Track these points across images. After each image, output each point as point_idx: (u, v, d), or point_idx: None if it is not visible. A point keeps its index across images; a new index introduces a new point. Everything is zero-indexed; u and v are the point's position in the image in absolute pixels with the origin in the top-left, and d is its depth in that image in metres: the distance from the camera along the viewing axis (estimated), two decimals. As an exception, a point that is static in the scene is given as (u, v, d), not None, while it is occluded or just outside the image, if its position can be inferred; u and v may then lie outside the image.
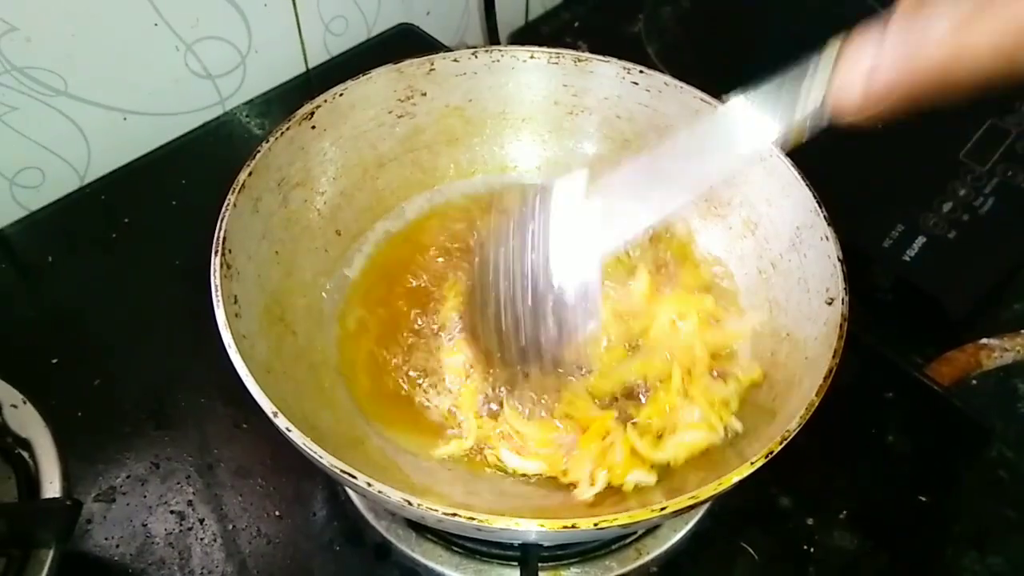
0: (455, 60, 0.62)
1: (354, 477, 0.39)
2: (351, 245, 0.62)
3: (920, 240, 0.71)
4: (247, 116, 0.81)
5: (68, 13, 0.65)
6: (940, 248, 0.71)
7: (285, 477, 0.57)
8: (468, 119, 0.66)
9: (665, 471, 0.51)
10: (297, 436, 0.41)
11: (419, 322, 0.58)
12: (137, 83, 0.72)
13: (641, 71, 0.62)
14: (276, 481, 0.57)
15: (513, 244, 0.48)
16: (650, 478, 0.50)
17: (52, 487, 0.48)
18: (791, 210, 0.55)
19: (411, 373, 0.56)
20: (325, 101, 0.58)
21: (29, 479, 0.48)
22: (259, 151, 0.54)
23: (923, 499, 0.58)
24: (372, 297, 0.60)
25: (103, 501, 0.56)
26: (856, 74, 0.38)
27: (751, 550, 0.55)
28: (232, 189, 0.52)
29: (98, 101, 0.71)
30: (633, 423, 0.52)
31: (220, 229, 0.49)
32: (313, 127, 0.58)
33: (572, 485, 0.50)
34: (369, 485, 0.39)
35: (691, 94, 0.60)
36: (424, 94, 0.63)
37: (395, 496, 0.39)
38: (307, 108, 0.58)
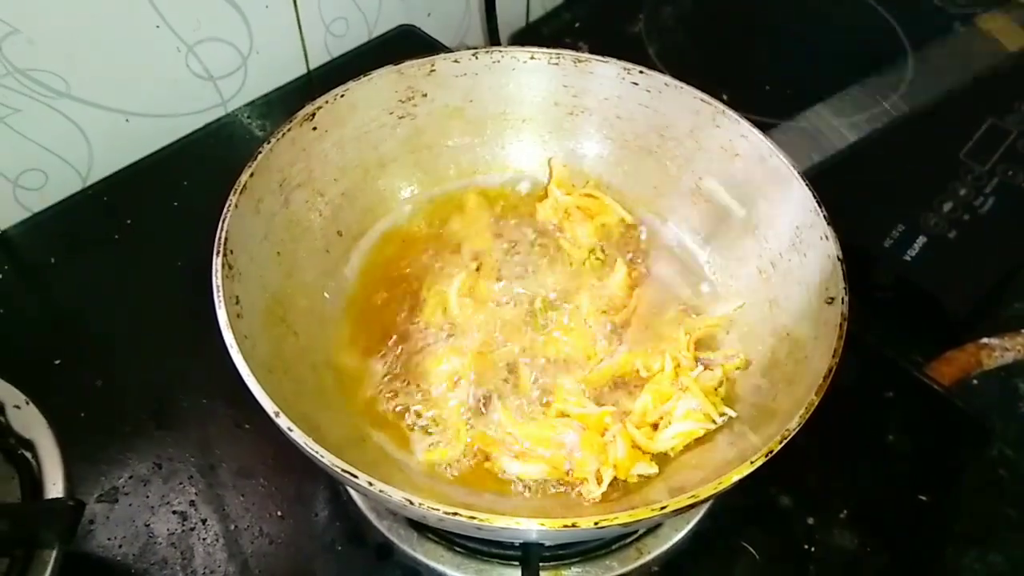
0: (456, 61, 0.62)
1: (355, 477, 0.40)
2: (352, 246, 0.62)
3: (920, 240, 0.71)
4: (248, 117, 0.81)
5: (70, 15, 0.65)
6: (940, 248, 0.71)
7: (287, 477, 0.57)
8: (469, 120, 0.66)
9: (664, 459, 0.52)
10: (299, 436, 0.41)
11: (409, 325, 0.59)
12: (139, 85, 0.73)
13: (641, 71, 0.62)
14: (278, 481, 0.57)
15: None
16: (652, 468, 0.51)
17: (55, 488, 0.48)
18: (791, 210, 0.55)
19: (397, 383, 0.56)
20: (326, 102, 0.58)
21: (32, 480, 0.48)
22: (260, 152, 0.54)
23: (923, 498, 0.58)
24: (372, 297, 0.60)
25: (106, 501, 0.56)
26: None
27: (752, 549, 0.55)
28: (233, 190, 0.52)
29: (100, 103, 0.71)
30: (629, 416, 0.53)
31: (222, 230, 0.49)
32: (314, 128, 0.58)
33: (576, 484, 0.51)
34: (370, 484, 0.39)
35: (691, 94, 0.60)
36: (425, 95, 0.63)
37: (396, 495, 0.39)
38: (308, 109, 0.58)
